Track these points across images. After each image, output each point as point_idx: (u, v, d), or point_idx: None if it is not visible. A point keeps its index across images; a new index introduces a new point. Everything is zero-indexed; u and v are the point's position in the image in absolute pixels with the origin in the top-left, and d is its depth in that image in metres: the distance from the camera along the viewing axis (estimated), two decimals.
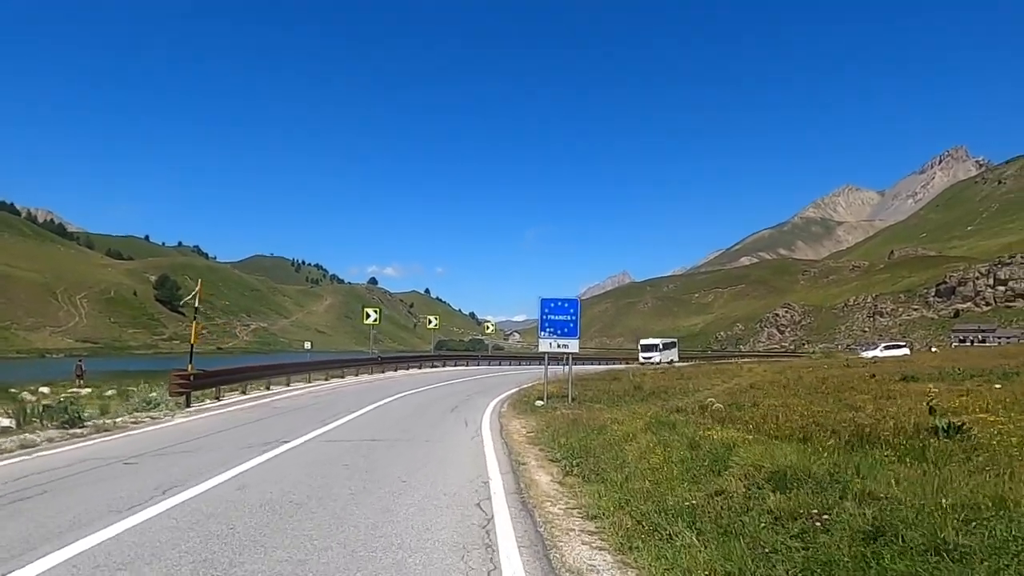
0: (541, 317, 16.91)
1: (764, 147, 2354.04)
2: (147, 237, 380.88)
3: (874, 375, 18.76)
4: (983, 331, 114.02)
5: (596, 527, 5.46)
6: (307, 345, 54.16)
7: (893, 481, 4.95)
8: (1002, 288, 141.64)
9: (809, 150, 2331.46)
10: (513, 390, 21.76)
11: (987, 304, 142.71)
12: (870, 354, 48.66)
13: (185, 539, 4.79)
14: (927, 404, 8.43)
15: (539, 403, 16.14)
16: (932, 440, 6.87)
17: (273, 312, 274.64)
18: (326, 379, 26.56)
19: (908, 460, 6.10)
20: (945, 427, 7.32)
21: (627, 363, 55.03)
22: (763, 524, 4.68)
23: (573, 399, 16.68)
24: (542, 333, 16.91)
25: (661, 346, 60.79)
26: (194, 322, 17.81)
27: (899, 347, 53.72)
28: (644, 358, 57.22)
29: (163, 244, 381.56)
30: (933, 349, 71.21)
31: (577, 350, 17.16)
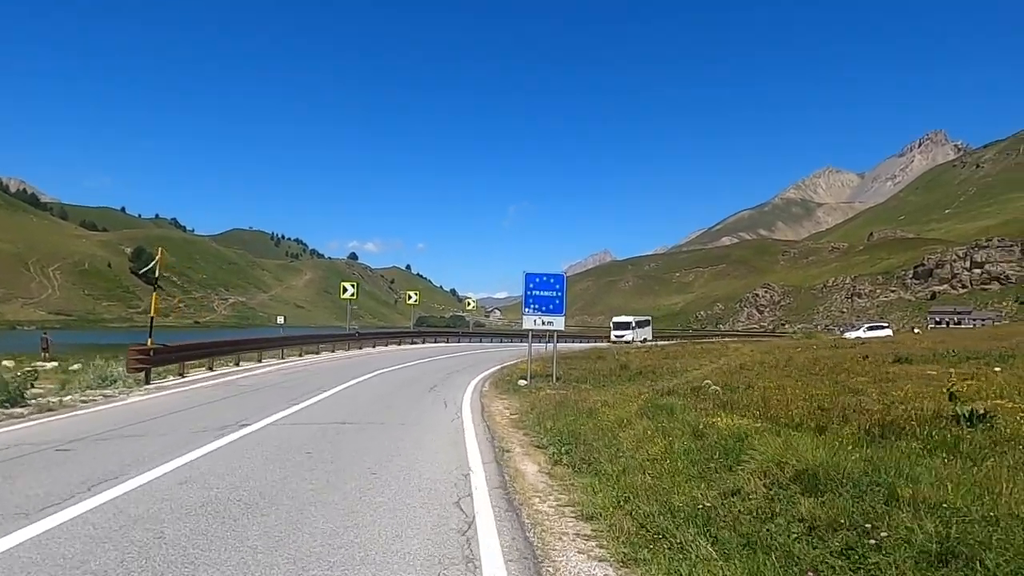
0: (525, 293, 16.08)
1: (746, 128, 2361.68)
2: (123, 209, 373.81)
3: (867, 356, 18.24)
4: (959, 313, 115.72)
5: (593, 530, 4.76)
6: (280, 320, 52.74)
7: (949, 485, 4.20)
8: (978, 271, 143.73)
9: (790, 132, 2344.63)
10: (495, 368, 21.06)
11: (963, 286, 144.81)
12: (854, 335, 48.64)
13: (98, 553, 3.91)
14: (947, 390, 7.74)
15: (522, 383, 15.43)
16: (961, 431, 6.19)
17: (252, 286, 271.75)
18: (300, 355, 25.65)
19: (942, 454, 5.40)
20: (967, 415, 6.67)
21: (608, 341, 54.08)
22: (795, 535, 3.94)
23: (558, 379, 15.97)
24: (526, 309, 16.09)
25: (634, 324, 58.16)
26: (155, 293, 16.76)
27: (882, 328, 53.74)
28: (616, 336, 54.54)
29: (139, 216, 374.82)
30: (916, 331, 71.71)
31: (563, 327, 16.40)
